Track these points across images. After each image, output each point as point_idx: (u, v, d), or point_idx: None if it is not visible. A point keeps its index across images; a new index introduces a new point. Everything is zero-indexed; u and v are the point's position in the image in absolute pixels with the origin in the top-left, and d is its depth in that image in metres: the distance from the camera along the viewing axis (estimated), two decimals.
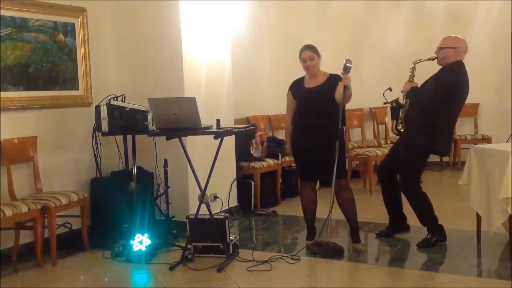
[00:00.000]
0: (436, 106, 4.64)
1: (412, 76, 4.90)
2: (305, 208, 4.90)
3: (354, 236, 4.82)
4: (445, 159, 8.71)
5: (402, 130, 4.96)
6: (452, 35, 4.84)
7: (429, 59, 4.83)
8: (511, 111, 7.98)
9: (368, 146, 7.79)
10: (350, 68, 4.51)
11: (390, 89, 5.01)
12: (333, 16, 8.73)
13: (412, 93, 4.81)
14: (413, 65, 4.90)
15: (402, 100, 4.96)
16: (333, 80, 4.66)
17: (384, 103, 5.12)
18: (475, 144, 5.46)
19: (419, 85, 4.85)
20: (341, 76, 4.55)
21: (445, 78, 4.70)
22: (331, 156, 4.49)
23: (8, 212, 4.24)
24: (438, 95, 4.63)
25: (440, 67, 4.84)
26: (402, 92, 4.93)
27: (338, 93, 4.54)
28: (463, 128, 8.83)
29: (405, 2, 8.93)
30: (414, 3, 8.91)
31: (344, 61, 4.51)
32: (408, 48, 8.36)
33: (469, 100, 8.65)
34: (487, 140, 8.33)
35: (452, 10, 8.77)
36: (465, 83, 4.77)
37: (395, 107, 5.00)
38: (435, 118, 4.69)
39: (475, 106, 8.81)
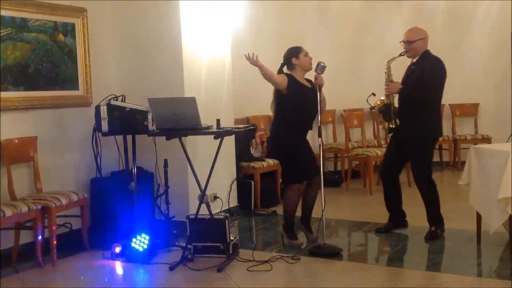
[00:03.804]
0: (438, 94, 4.90)
1: (389, 75, 5.03)
2: (293, 211, 4.87)
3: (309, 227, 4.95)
4: (445, 159, 8.73)
5: (393, 127, 5.04)
6: (414, 27, 5.07)
7: (400, 55, 5.02)
8: (511, 111, 7.97)
9: (368, 146, 7.78)
10: (324, 68, 4.65)
11: (374, 94, 5.13)
12: (333, 16, 8.72)
13: (405, 92, 4.93)
14: (387, 64, 5.05)
15: (387, 101, 5.03)
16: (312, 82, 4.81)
17: (371, 109, 5.20)
18: (475, 144, 5.46)
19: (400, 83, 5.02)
20: (317, 77, 4.66)
21: (434, 69, 4.87)
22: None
23: (8, 212, 4.24)
24: (435, 88, 4.86)
25: (410, 60, 5.03)
26: (387, 94, 5.01)
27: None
28: (463, 128, 8.85)
29: (405, 2, 8.92)
30: (414, 3, 8.90)
31: (318, 62, 4.66)
32: None
33: (469, 100, 8.76)
34: (487, 140, 8.32)
35: (452, 10, 8.78)
36: (445, 68, 4.95)
37: (385, 109, 5.05)
38: (432, 106, 4.91)
39: (475, 106, 8.81)
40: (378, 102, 5.06)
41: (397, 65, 5.08)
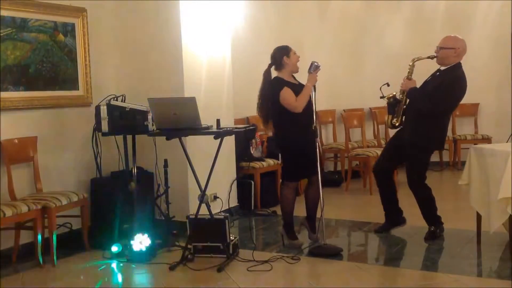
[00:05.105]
0: (445, 111, 4.88)
1: (410, 73, 4.97)
2: (289, 209, 4.87)
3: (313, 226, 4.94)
4: (445, 159, 8.73)
5: (397, 124, 5.04)
6: (452, 35, 4.91)
7: (428, 57, 4.90)
8: (511, 111, 7.98)
9: (368, 146, 7.79)
10: (318, 67, 4.65)
11: (388, 84, 5.07)
12: (333, 16, 8.72)
13: (413, 94, 4.88)
14: (412, 62, 4.97)
15: (399, 96, 5.03)
16: None
17: (381, 97, 5.17)
18: (475, 144, 5.46)
19: (417, 84, 4.93)
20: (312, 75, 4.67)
21: (452, 84, 4.79)
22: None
23: (8, 212, 4.24)
24: (446, 103, 4.80)
25: (438, 66, 4.92)
26: (401, 90, 4.99)
27: None
28: (463, 128, 8.85)
29: (405, 2, 8.93)
30: (414, 3, 8.90)
31: (312, 61, 4.66)
32: (407, 48, 8.35)
33: (469, 100, 8.75)
34: (487, 140, 8.33)
35: (452, 10, 8.77)
36: (466, 86, 4.88)
37: (393, 102, 5.04)
38: (442, 119, 4.90)
39: (475, 106, 8.81)
40: (390, 95, 5.05)
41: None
